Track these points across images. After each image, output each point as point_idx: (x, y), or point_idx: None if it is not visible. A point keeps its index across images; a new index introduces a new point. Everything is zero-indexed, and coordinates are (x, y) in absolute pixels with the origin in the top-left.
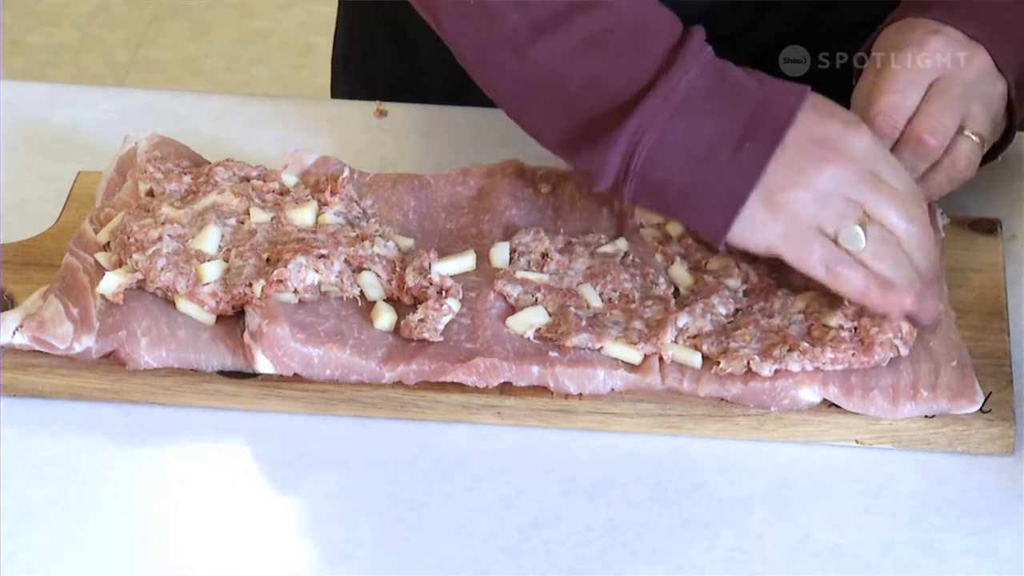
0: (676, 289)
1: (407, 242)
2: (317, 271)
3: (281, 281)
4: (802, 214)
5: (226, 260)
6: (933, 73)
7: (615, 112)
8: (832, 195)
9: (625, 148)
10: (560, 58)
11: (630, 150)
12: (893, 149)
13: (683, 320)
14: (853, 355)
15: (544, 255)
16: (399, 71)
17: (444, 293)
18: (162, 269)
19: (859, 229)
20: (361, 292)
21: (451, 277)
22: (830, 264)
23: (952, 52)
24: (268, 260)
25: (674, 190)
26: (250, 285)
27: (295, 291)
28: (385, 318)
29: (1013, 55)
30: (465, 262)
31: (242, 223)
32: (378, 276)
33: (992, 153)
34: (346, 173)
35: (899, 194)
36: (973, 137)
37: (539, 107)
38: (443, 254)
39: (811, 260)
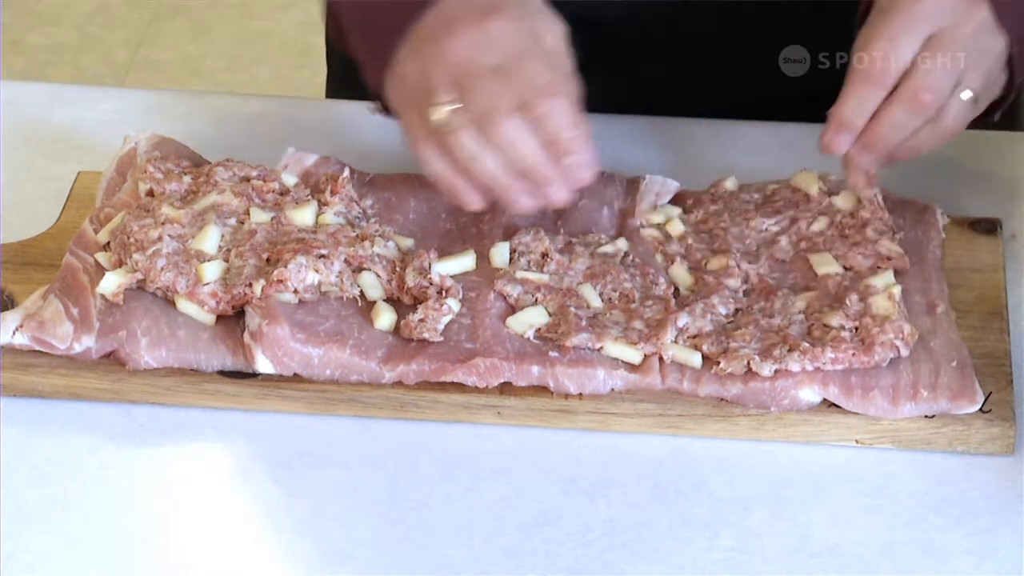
0: (676, 289)
1: (407, 242)
2: (317, 271)
3: (281, 281)
4: (408, 76)
5: (226, 260)
6: (931, 24)
7: None
8: (433, 69)
9: None
10: None
11: None
12: (887, 100)
13: (683, 320)
14: (853, 355)
15: (544, 255)
16: None
17: (444, 293)
18: (162, 269)
19: (442, 111)
20: (361, 292)
21: (451, 277)
22: (415, 139)
23: (952, 4)
24: (268, 260)
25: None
26: (250, 285)
27: (295, 291)
28: (385, 318)
29: (1013, 11)
30: (465, 262)
31: (242, 223)
32: (378, 276)
33: (990, 110)
34: (346, 173)
35: (500, 87)
36: (965, 96)
37: None
38: (443, 254)
39: (407, 128)
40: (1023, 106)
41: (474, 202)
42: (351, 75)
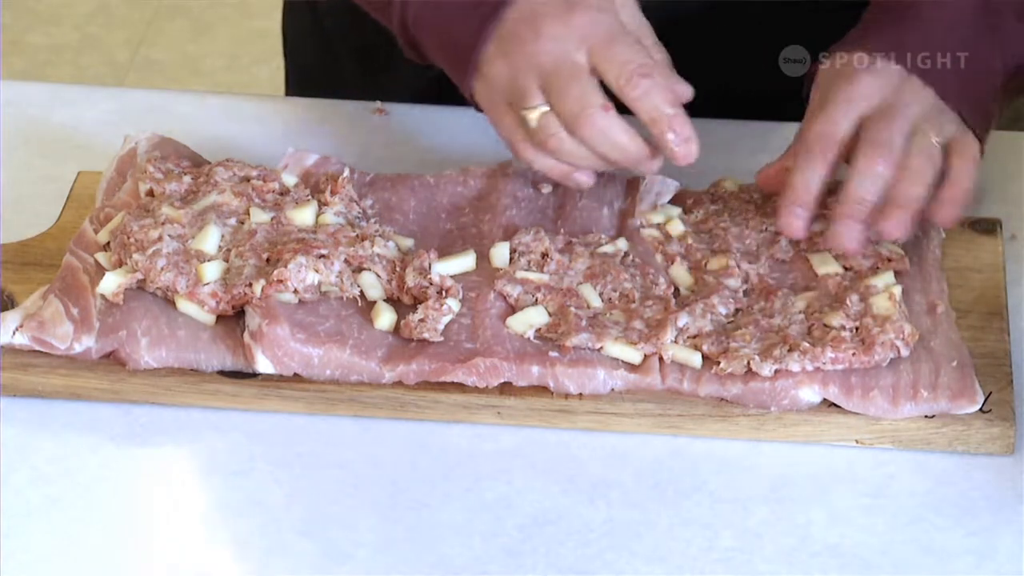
0: (676, 289)
1: (407, 242)
2: (317, 271)
3: (281, 281)
4: (496, 77)
5: (226, 260)
6: (866, 105)
7: None
8: (521, 68)
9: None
10: None
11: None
12: (848, 182)
13: (683, 320)
14: (853, 355)
15: (544, 255)
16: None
17: (444, 293)
18: (162, 269)
19: (532, 115)
20: (361, 292)
21: (451, 277)
22: (512, 138)
23: (884, 86)
24: (268, 260)
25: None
26: (250, 285)
27: (295, 291)
28: (385, 318)
29: (959, 90)
30: (465, 262)
31: (242, 223)
32: (378, 276)
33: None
34: (346, 173)
35: (587, 83)
36: (933, 140)
37: None
38: (443, 254)
39: (499, 126)
40: None
41: (588, 181)
42: (316, 75)
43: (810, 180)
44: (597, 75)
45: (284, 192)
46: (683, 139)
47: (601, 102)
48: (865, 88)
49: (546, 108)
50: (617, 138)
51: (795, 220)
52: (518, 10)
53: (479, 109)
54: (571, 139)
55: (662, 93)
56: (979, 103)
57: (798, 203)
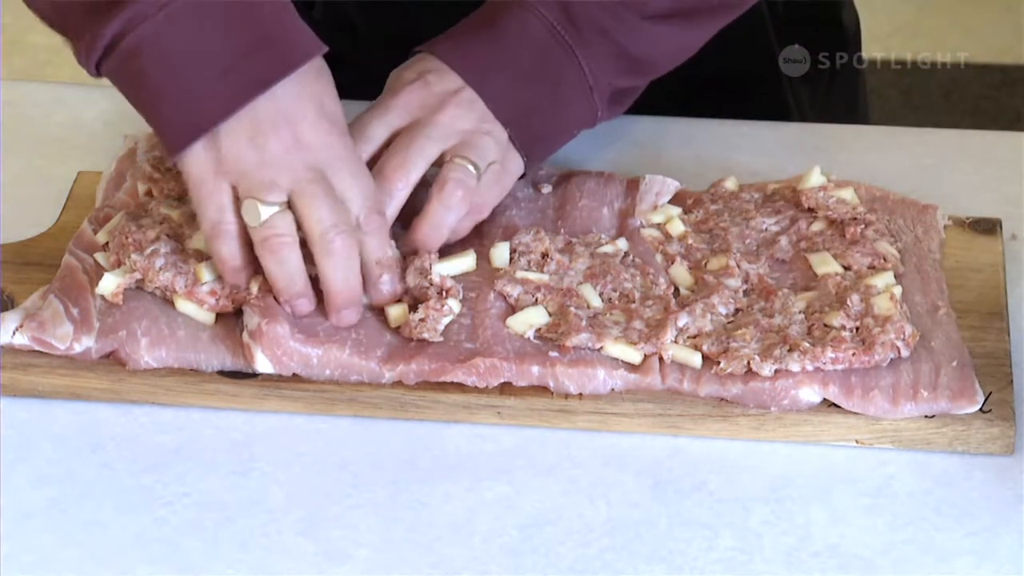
0: (676, 289)
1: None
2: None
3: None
4: (224, 161)
5: None
6: (407, 115)
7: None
8: (264, 164)
9: (119, 27)
10: None
11: (123, 30)
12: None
13: (683, 320)
14: (854, 355)
15: (544, 255)
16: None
17: (444, 294)
18: (160, 269)
19: (258, 205)
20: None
21: (451, 277)
22: (212, 227)
23: (425, 98)
24: None
25: (149, 86)
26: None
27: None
28: (396, 307)
29: (506, 104)
30: (466, 262)
31: None
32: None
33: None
34: None
35: (332, 204)
36: (461, 163)
37: None
38: (443, 254)
39: (202, 211)
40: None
41: (308, 306)
42: None
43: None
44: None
45: None
46: (389, 282)
47: (348, 225)
48: (412, 98)
49: (281, 211)
50: (349, 269)
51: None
52: (276, 103)
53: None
54: (295, 251)
55: (387, 233)
56: (540, 128)
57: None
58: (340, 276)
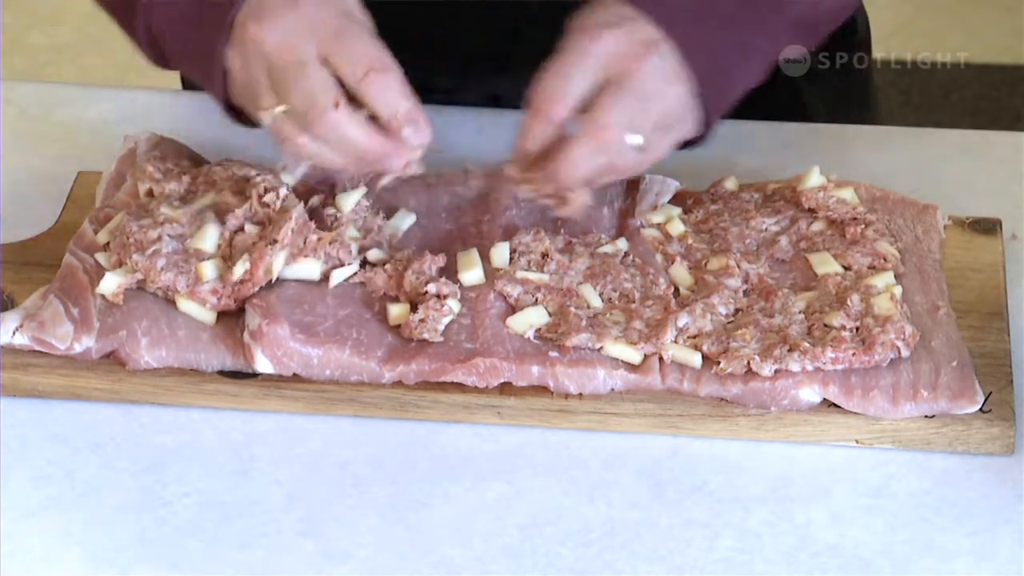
0: (676, 289)
1: (408, 219)
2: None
3: (274, 242)
4: (251, 59)
5: (225, 259)
6: (603, 68)
7: None
8: (281, 48)
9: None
10: None
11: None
12: (569, 140)
13: (683, 320)
14: (854, 355)
15: (544, 255)
16: None
17: (442, 299)
18: (162, 269)
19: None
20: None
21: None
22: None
23: (628, 46)
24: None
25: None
26: (245, 282)
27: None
28: (397, 306)
29: (701, 54)
30: (474, 274)
31: (242, 229)
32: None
33: (688, 144)
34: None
35: (324, 78)
36: (632, 141)
37: None
38: (443, 253)
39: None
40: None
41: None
42: None
43: (536, 141)
44: (330, 68)
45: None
46: (420, 131)
47: (330, 100)
48: (611, 44)
49: (281, 108)
50: (350, 137)
51: (512, 172)
52: (248, 5)
53: (241, 118)
54: (308, 140)
55: (397, 87)
56: (721, 90)
57: (520, 160)
58: (343, 152)
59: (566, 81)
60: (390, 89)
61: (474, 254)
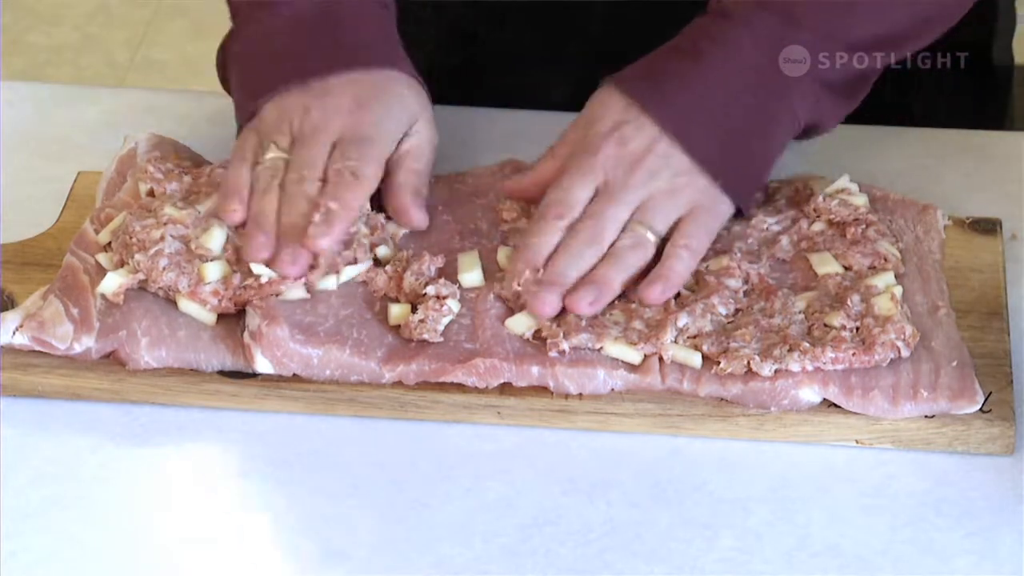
0: None
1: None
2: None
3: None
4: (266, 115)
5: (228, 261)
6: (603, 174)
7: None
8: (287, 113)
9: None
10: None
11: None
12: (557, 255)
13: (683, 320)
14: (854, 355)
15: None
16: None
17: (440, 300)
18: (164, 269)
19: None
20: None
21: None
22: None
23: (617, 160)
24: None
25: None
26: (249, 274)
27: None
28: (397, 306)
29: (705, 149)
30: (474, 276)
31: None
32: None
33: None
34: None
35: (313, 155)
36: (638, 229)
37: None
38: (443, 253)
39: (236, 148)
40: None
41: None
42: None
43: (542, 245)
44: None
45: None
46: (299, 259)
47: (317, 174)
48: (607, 157)
49: (283, 155)
50: (303, 198)
51: (546, 305)
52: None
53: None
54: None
55: (356, 203)
56: (745, 166)
57: (531, 264)
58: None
59: (568, 194)
60: (352, 200)
61: (475, 255)
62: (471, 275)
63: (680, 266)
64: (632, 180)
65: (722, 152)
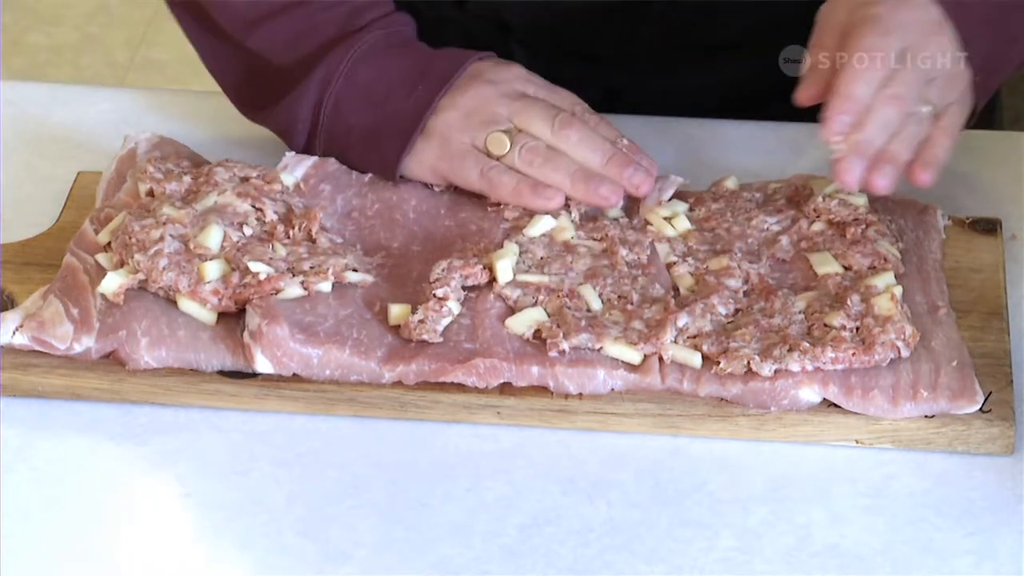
0: (676, 289)
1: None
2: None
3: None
4: (450, 131)
5: (228, 260)
6: (903, 37)
7: (303, 65)
8: (476, 111)
9: (314, 97)
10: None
11: (319, 99)
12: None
13: (683, 320)
14: (854, 355)
15: (544, 258)
16: None
17: (442, 299)
18: (164, 269)
19: (502, 135)
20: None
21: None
22: (483, 171)
23: (917, 25)
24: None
25: (358, 134)
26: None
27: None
28: (397, 306)
29: (977, 42)
30: (505, 264)
31: (241, 225)
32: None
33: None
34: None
35: (544, 104)
36: (925, 109)
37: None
38: (444, 252)
39: (465, 172)
40: (1003, 108)
41: (556, 201)
42: None
43: (867, 89)
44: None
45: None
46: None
47: (568, 114)
48: (902, 20)
49: (512, 129)
50: (600, 132)
51: (840, 118)
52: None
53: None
54: (548, 150)
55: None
56: (993, 72)
57: (852, 103)
58: (585, 151)
59: (884, 45)
60: (589, 133)
61: (514, 248)
62: (504, 262)
63: (946, 154)
64: (930, 48)
65: (987, 53)
